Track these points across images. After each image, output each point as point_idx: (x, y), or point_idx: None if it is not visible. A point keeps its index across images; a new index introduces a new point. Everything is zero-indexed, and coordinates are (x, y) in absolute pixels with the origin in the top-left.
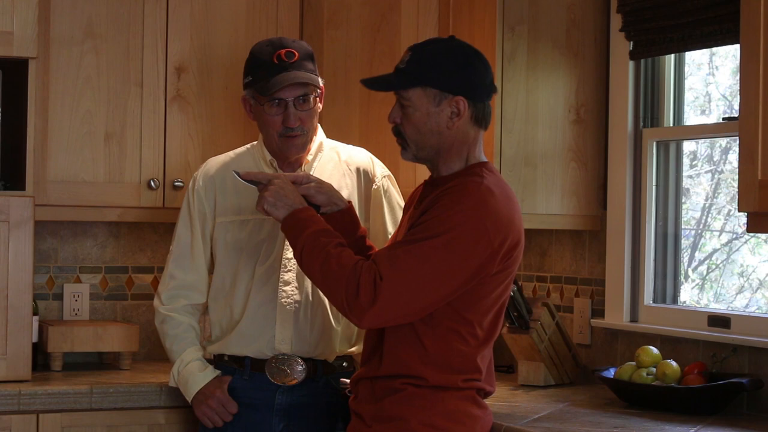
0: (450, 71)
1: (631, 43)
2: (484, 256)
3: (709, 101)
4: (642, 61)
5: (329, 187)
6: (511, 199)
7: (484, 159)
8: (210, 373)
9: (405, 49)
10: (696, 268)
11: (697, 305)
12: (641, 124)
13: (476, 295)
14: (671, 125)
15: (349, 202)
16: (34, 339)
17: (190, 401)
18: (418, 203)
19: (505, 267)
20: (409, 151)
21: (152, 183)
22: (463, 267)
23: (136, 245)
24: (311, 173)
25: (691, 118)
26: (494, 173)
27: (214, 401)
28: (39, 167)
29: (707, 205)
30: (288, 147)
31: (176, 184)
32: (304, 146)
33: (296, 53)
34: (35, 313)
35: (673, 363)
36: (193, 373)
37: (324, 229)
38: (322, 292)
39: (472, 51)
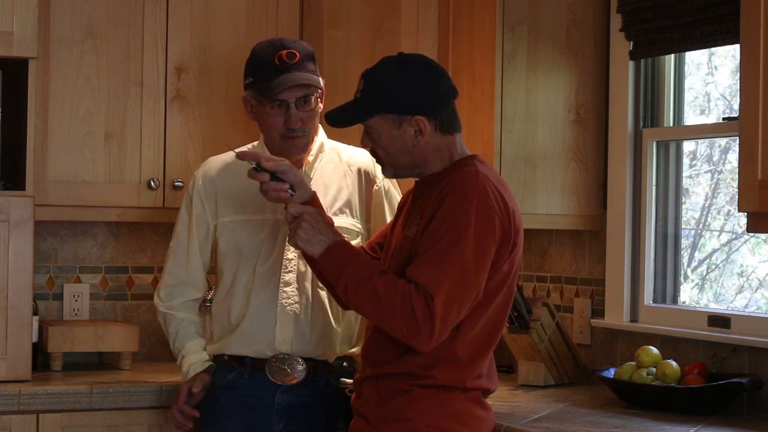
0: (402, 93)
1: (631, 43)
2: (498, 243)
3: (709, 101)
4: (642, 61)
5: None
6: (504, 185)
7: (469, 153)
8: (194, 369)
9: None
10: (696, 268)
11: (697, 305)
12: (641, 124)
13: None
14: (671, 125)
15: (314, 191)
16: (34, 339)
17: None
18: (412, 204)
19: (510, 251)
20: (389, 170)
21: (152, 183)
22: (488, 258)
23: (136, 245)
24: (312, 174)
25: (690, 118)
26: (485, 163)
27: (176, 405)
28: (39, 167)
29: (707, 205)
30: (289, 148)
31: (176, 184)
32: (305, 147)
33: (297, 54)
34: (35, 313)
35: (673, 363)
36: (182, 368)
37: (365, 260)
38: (376, 324)
39: (423, 64)
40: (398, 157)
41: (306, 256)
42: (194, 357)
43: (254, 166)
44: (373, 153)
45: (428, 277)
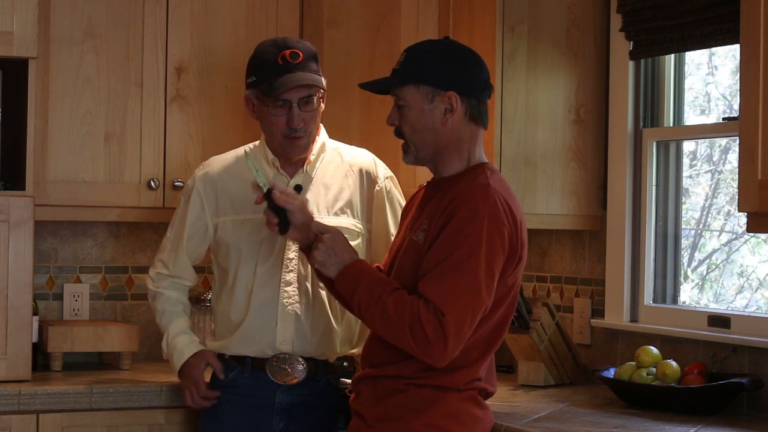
0: (441, 68)
1: (631, 43)
2: (505, 257)
3: (709, 101)
4: (642, 61)
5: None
6: (513, 198)
7: (485, 159)
8: (194, 347)
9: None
10: (696, 268)
11: (697, 305)
12: (641, 124)
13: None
14: (671, 125)
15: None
16: (34, 339)
17: (176, 375)
18: (420, 206)
19: (516, 265)
20: (411, 153)
21: (152, 183)
22: (497, 272)
23: (136, 245)
24: (313, 173)
25: (690, 118)
26: (495, 172)
27: (189, 380)
28: (39, 167)
29: (707, 205)
30: (291, 148)
31: (176, 184)
32: (307, 147)
33: (301, 54)
34: (35, 313)
35: (673, 363)
36: (176, 347)
37: (377, 279)
38: (392, 343)
39: (466, 50)
40: (423, 134)
41: (323, 278)
42: (185, 338)
43: (265, 191)
44: (398, 133)
45: (438, 293)
